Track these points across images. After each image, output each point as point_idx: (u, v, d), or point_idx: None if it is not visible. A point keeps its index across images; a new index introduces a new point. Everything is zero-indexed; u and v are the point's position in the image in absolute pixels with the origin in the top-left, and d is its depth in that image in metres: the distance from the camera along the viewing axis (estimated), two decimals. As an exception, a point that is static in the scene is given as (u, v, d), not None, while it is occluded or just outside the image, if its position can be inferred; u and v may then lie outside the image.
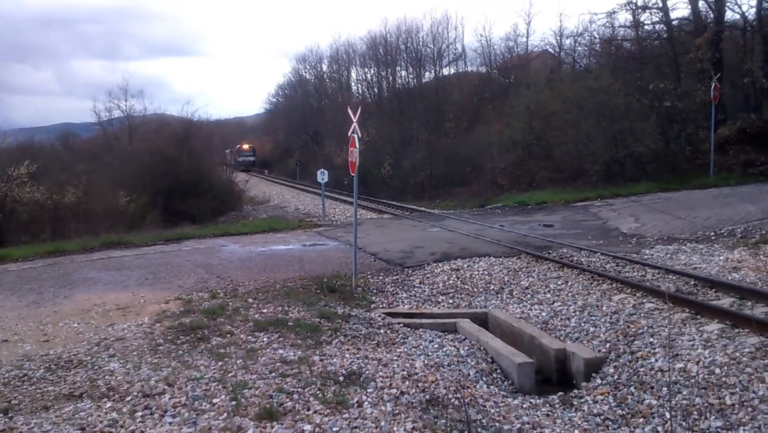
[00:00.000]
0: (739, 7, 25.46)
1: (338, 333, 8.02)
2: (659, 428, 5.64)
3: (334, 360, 6.84)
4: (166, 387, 5.90)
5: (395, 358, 7.25)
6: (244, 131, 77.84)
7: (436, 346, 8.31)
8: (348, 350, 7.36)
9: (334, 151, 40.23)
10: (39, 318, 9.22)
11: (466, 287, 11.08)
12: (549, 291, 10.21)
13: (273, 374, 6.33)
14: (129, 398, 5.69)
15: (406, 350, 7.93)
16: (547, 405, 6.59)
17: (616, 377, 6.91)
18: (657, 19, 25.97)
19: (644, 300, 8.81)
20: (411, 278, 11.73)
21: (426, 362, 7.46)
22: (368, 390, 5.96)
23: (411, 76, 47.62)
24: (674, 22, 25.94)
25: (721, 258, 10.82)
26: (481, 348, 8.24)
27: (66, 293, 10.83)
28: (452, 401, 5.98)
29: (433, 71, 46.74)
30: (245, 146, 71.13)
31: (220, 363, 6.70)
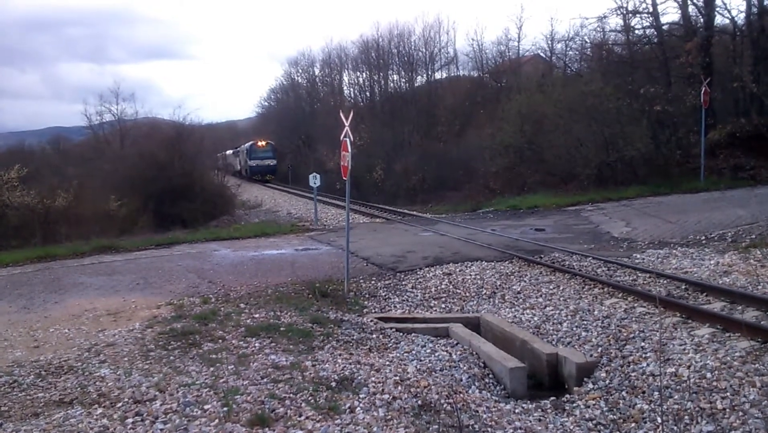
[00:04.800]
0: (729, 12, 25.50)
1: (330, 338, 8.01)
2: (651, 433, 5.66)
3: (327, 365, 6.83)
4: (157, 393, 5.87)
5: (387, 363, 7.24)
6: (236, 135, 74.35)
7: (428, 351, 8.31)
8: (340, 355, 7.36)
9: (326, 156, 40.15)
10: (29, 324, 9.16)
11: (459, 291, 11.09)
12: (541, 295, 10.23)
13: (265, 379, 6.32)
14: (120, 404, 5.66)
15: (398, 355, 7.92)
16: (539, 410, 6.60)
17: (607, 381, 6.93)
18: (647, 23, 26.11)
19: (635, 304, 8.84)
20: (403, 283, 11.73)
21: (418, 367, 7.46)
22: (360, 396, 5.96)
23: (403, 80, 47.66)
24: (664, 27, 26.05)
25: (712, 262, 10.87)
26: (474, 353, 8.24)
27: (56, 299, 10.76)
28: (444, 406, 5.98)
29: (425, 75, 46.80)
30: (261, 143, 52.30)
31: (211, 369, 6.68)
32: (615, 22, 32.97)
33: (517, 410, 6.49)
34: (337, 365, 6.87)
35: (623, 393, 6.52)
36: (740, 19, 25.28)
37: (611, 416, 6.17)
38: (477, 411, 6.13)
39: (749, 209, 15.98)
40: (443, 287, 11.34)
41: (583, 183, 23.23)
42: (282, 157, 52.85)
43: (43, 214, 21.20)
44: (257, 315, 8.97)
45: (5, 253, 16.23)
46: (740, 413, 5.45)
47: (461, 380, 7.44)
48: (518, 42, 41.40)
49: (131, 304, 10.17)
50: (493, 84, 41.65)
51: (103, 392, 5.99)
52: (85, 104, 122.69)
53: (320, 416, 5.38)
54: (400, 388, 6.24)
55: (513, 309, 9.98)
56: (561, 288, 10.32)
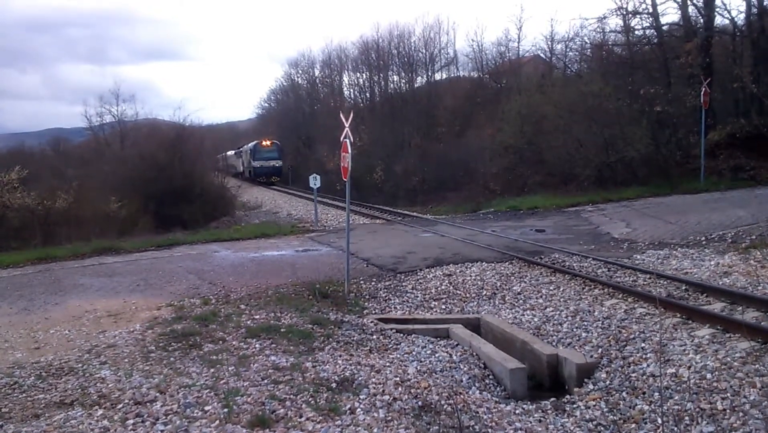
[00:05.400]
0: (729, 12, 25.58)
1: (331, 339, 8.02)
2: (651, 434, 5.66)
3: (327, 367, 6.83)
4: (157, 394, 5.88)
5: (388, 364, 7.24)
6: (236, 136, 74.16)
7: (428, 352, 8.32)
8: (341, 356, 7.36)
9: (326, 156, 40.18)
10: (30, 325, 9.16)
11: (459, 292, 11.09)
12: (541, 296, 10.23)
13: (265, 380, 6.32)
14: (120, 405, 5.66)
15: (398, 356, 7.93)
16: (540, 411, 6.60)
17: (608, 382, 6.93)
18: (647, 24, 26.10)
19: (636, 305, 8.84)
20: (403, 284, 11.72)
21: (419, 368, 7.46)
22: (361, 397, 5.96)
23: (403, 81, 47.60)
24: (664, 28, 26.05)
25: (712, 263, 10.87)
26: (474, 354, 8.25)
27: (57, 300, 10.77)
28: (445, 407, 5.98)
29: (425, 76, 46.74)
30: (266, 142, 50.12)
31: (212, 370, 6.68)
32: (615, 22, 32.92)
33: (517, 411, 6.49)
34: (337, 366, 6.87)
35: (623, 394, 6.52)
36: (740, 19, 25.34)
37: (611, 416, 6.17)
38: (477, 412, 6.13)
39: (749, 210, 15.97)
40: (443, 288, 11.34)
41: (583, 184, 23.24)
42: (283, 158, 52.54)
43: (44, 215, 21.21)
44: (258, 316, 8.97)
45: (5, 254, 16.23)
46: (740, 414, 5.44)
47: (461, 381, 7.44)
48: (518, 43, 41.40)
49: (132, 305, 10.18)
50: (493, 85, 41.62)
51: (103, 394, 5.99)
52: (85, 105, 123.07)
53: (320, 418, 5.38)
54: (400, 389, 6.24)
55: (513, 310, 9.98)
56: (561, 289, 10.33)
